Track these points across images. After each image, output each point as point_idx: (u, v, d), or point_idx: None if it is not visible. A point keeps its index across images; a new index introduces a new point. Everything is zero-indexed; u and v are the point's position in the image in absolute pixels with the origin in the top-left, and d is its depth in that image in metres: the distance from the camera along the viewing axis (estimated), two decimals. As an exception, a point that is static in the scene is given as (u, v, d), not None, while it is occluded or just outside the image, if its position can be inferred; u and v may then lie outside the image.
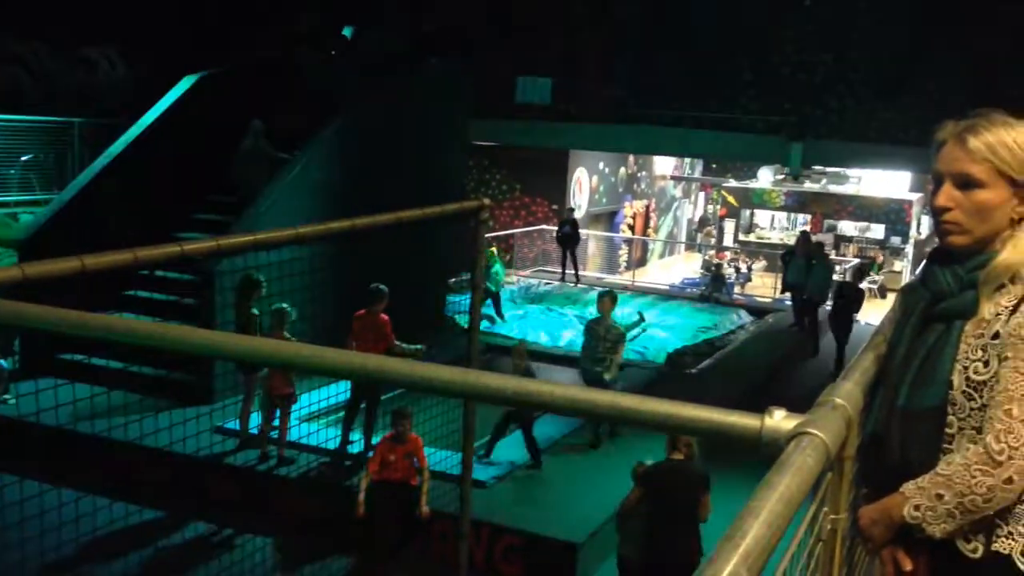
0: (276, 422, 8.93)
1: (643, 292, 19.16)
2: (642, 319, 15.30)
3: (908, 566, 1.71)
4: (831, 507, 1.43)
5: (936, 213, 1.78)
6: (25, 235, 10.58)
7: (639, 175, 26.06)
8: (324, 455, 8.74)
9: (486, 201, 4.02)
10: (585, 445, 9.41)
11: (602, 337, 9.15)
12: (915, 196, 25.11)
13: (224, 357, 2.00)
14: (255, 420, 8.99)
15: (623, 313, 15.53)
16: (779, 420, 1.29)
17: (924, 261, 1.98)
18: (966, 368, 1.71)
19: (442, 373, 1.54)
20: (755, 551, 0.91)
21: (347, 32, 13.07)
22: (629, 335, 14.62)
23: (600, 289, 12.49)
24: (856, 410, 1.45)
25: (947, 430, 1.73)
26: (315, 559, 7.83)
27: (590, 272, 21.28)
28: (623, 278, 21.89)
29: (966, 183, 1.73)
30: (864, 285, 14.87)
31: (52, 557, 6.96)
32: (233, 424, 9.09)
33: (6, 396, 9.42)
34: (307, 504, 8.13)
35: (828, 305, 15.62)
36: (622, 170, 25.04)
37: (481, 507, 7.09)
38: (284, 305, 8.36)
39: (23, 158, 12.06)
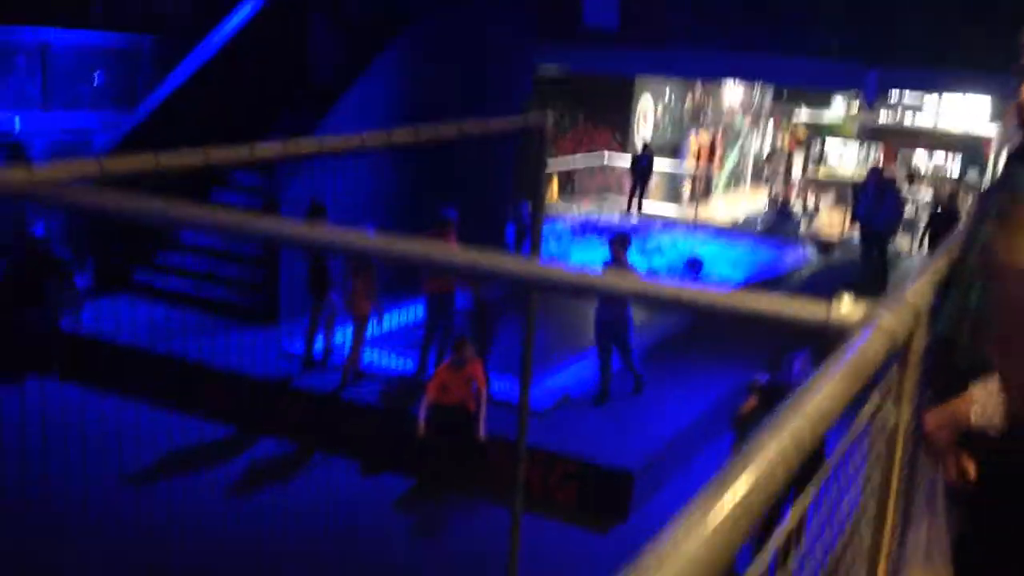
0: (340, 340, 9.11)
1: (706, 226, 18.95)
2: (698, 264, 14.70)
3: (972, 469, 1.69)
4: (895, 402, 1.41)
5: (1019, 111, 1.71)
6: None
7: (706, 105, 25.49)
8: (389, 378, 8.92)
9: (550, 116, 3.97)
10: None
11: None
12: (995, 129, 24.14)
13: (294, 245, 2.04)
14: (320, 343, 9.20)
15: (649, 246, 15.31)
16: (847, 308, 1.28)
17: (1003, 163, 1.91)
18: (1042, 269, 1.66)
19: (506, 262, 1.55)
20: (816, 416, 0.91)
21: None
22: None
23: (616, 231, 11.90)
24: (926, 306, 1.43)
25: (1019, 333, 1.68)
26: (374, 479, 8.06)
27: (653, 204, 21.05)
28: (686, 211, 21.62)
29: None
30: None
31: (130, 468, 7.32)
32: (298, 346, 9.31)
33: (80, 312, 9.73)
34: (369, 425, 8.33)
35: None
36: (688, 99, 24.51)
37: (538, 434, 7.16)
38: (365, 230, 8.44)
39: (95, 78, 12.28)
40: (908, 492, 1.82)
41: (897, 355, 1.35)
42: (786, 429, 0.86)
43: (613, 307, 8.46)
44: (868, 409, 1.39)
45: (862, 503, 1.49)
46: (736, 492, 0.73)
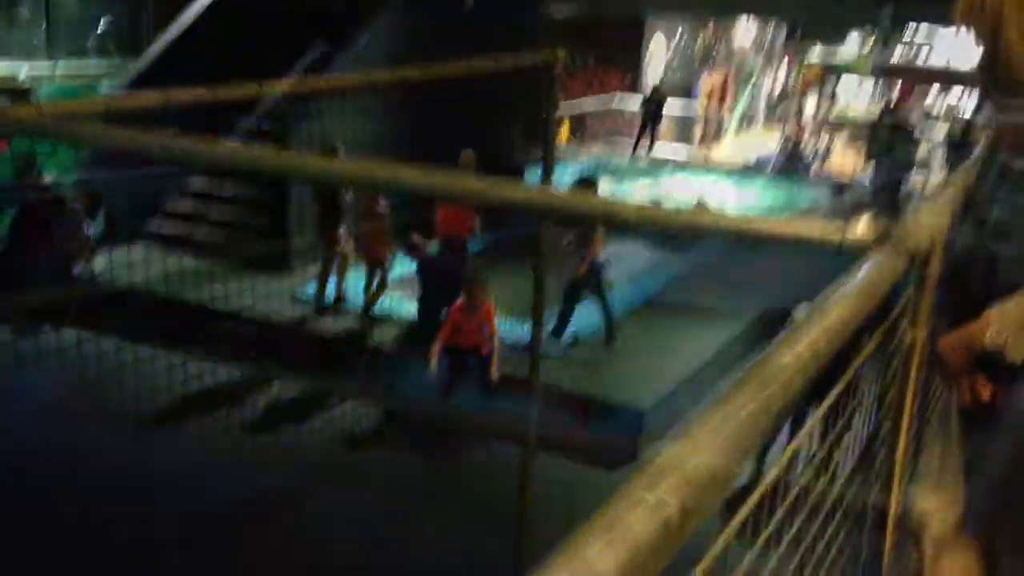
0: (353, 286, 9.13)
1: (718, 167, 18.81)
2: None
3: (986, 392, 1.69)
4: (911, 322, 1.41)
5: None
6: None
7: (717, 46, 25.12)
8: (401, 323, 8.95)
9: (560, 54, 3.93)
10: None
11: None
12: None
13: (307, 180, 2.03)
14: (331, 289, 9.22)
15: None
16: (863, 227, 1.27)
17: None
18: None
19: (518, 190, 1.54)
20: (836, 326, 0.91)
21: None
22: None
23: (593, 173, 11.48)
24: (942, 229, 1.42)
25: (1035, 258, 1.67)
26: (387, 421, 8.14)
27: (664, 146, 20.88)
28: (698, 153, 21.45)
29: None
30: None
31: (145, 413, 7.41)
32: (310, 292, 9.34)
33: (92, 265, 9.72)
34: (382, 369, 8.39)
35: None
36: (700, 39, 24.16)
37: (548, 374, 7.19)
38: None
39: (100, 23, 12.14)
40: (922, 415, 1.83)
41: (914, 276, 1.35)
42: (803, 340, 0.86)
43: (582, 252, 8.31)
44: (884, 328, 1.39)
45: (878, 422, 1.50)
46: (756, 395, 0.74)
